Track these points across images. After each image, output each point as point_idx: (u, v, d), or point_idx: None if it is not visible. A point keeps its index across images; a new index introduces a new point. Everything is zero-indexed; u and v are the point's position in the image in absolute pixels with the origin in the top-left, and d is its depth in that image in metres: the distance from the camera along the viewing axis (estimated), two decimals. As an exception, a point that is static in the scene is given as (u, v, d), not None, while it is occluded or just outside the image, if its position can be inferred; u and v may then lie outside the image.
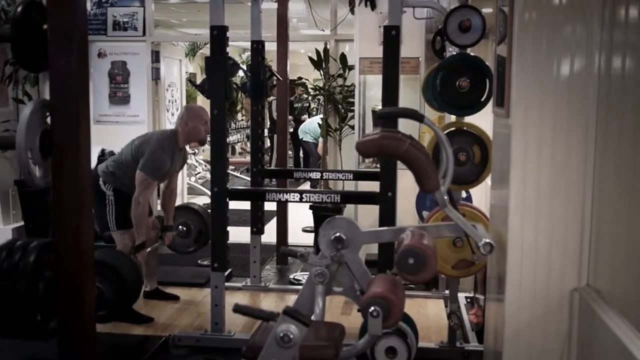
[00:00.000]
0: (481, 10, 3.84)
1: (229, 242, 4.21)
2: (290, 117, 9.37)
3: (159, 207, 5.00)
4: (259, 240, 5.35)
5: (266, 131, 10.60)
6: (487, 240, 2.66)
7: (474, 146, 3.80)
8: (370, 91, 6.38)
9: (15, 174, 6.41)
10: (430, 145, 3.82)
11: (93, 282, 3.12)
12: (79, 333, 3.01)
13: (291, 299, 4.65)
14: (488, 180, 3.68)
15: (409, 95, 5.74)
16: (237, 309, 2.37)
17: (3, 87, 6.37)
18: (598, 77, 2.46)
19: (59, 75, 2.89)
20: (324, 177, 5.47)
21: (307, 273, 3.03)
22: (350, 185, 5.92)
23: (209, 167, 5.62)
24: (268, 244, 6.03)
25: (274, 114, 10.44)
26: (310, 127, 10.69)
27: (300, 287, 3.23)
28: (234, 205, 4.45)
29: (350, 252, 2.97)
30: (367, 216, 5.43)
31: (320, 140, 8.72)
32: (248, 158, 7.94)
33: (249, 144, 10.71)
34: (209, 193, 4.42)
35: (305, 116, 12.46)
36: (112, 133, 7.39)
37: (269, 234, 5.95)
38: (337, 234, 2.95)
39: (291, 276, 5.78)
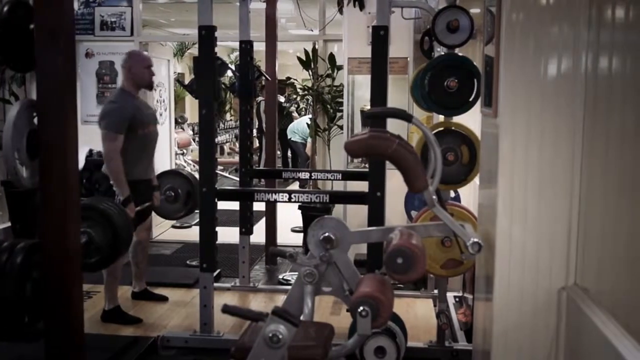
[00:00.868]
0: (469, 11, 3.86)
1: (217, 242, 4.20)
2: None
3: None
4: (247, 240, 5.34)
5: (254, 131, 10.63)
6: (476, 240, 2.67)
7: (462, 146, 3.81)
8: (358, 91, 6.39)
9: (2, 174, 6.36)
10: (419, 145, 3.83)
11: (80, 282, 3.10)
12: (67, 334, 3.00)
13: (280, 299, 4.65)
14: (476, 180, 3.69)
15: (398, 95, 5.75)
16: (226, 309, 2.36)
17: (-11, 87, 6.34)
18: (585, 77, 2.47)
19: (46, 75, 2.87)
20: (312, 177, 5.47)
21: (296, 273, 3.03)
22: (339, 185, 5.92)
23: (197, 167, 5.61)
24: (257, 244, 6.03)
25: (262, 114, 10.43)
26: (298, 127, 10.67)
27: (289, 287, 3.23)
28: (222, 205, 4.43)
29: (339, 252, 2.97)
30: (356, 216, 5.43)
31: (309, 140, 8.72)
32: (237, 158, 7.94)
33: (237, 144, 10.69)
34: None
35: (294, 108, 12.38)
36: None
37: (258, 234, 5.94)
38: (326, 234, 2.95)
39: (280, 276, 5.79)
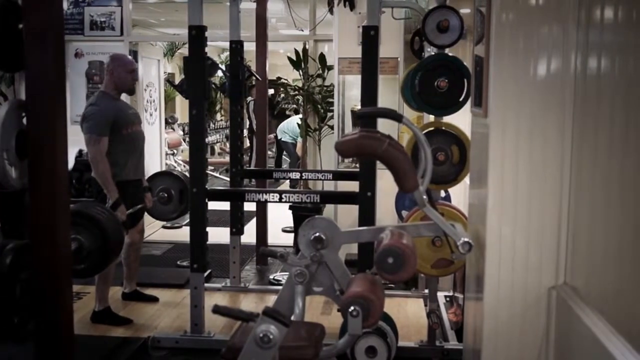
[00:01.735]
0: (459, 11, 3.87)
1: (208, 242, 4.20)
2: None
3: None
4: (238, 240, 5.33)
5: (245, 131, 10.61)
6: (466, 240, 2.67)
7: (452, 146, 3.82)
8: (349, 91, 6.39)
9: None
10: (409, 145, 3.84)
11: (70, 284, 3.09)
12: (57, 335, 2.99)
13: (271, 300, 4.64)
14: (466, 180, 3.70)
15: (388, 95, 5.76)
16: (217, 309, 2.36)
17: (-22, 87, 6.31)
18: (574, 77, 2.49)
19: (35, 75, 2.86)
20: (303, 177, 5.48)
21: (287, 273, 3.03)
22: (329, 185, 5.93)
23: (187, 167, 5.59)
24: (248, 245, 6.02)
25: (252, 114, 10.41)
26: (288, 127, 10.64)
27: (280, 287, 3.23)
28: (213, 205, 4.43)
29: (329, 252, 2.97)
30: (346, 216, 5.43)
31: (300, 140, 8.72)
32: (227, 158, 7.92)
33: (228, 144, 10.67)
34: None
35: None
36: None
37: (249, 235, 5.94)
38: (317, 234, 2.95)
39: (271, 276, 5.78)
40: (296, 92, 7.57)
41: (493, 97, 2.57)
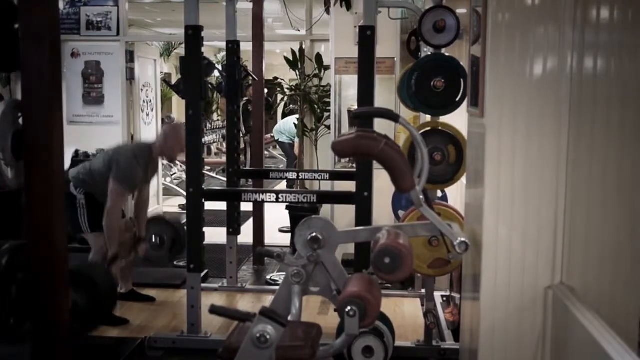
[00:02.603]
0: (455, 11, 3.87)
1: (205, 243, 4.19)
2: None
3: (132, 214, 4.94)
4: (235, 240, 5.33)
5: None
6: (463, 239, 2.67)
7: (449, 146, 3.83)
8: (346, 91, 6.40)
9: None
10: (406, 145, 3.84)
11: (67, 284, 3.08)
12: (53, 336, 2.98)
13: (268, 300, 4.63)
14: (463, 180, 3.70)
15: (385, 95, 5.76)
16: (214, 310, 2.36)
17: (-26, 87, 6.28)
18: (570, 77, 2.49)
19: (31, 75, 2.85)
20: (300, 177, 5.47)
21: (284, 273, 3.02)
22: (326, 185, 5.93)
23: (184, 167, 5.58)
24: (244, 245, 6.01)
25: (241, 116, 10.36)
26: (285, 127, 10.61)
27: (277, 287, 3.23)
28: (209, 205, 4.42)
29: (326, 252, 2.97)
30: (343, 216, 5.43)
31: (297, 140, 8.71)
32: (224, 158, 7.92)
33: (224, 144, 10.65)
34: (185, 193, 4.40)
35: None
36: (86, 134, 7.33)
37: (246, 235, 5.93)
38: (314, 234, 2.95)
39: (268, 277, 5.78)
40: (293, 92, 7.56)
41: (489, 97, 2.58)
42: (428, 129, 3.92)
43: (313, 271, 2.96)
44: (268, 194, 4.31)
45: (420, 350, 4.06)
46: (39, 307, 2.95)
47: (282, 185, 9.48)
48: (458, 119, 3.89)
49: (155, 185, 7.89)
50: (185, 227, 4.17)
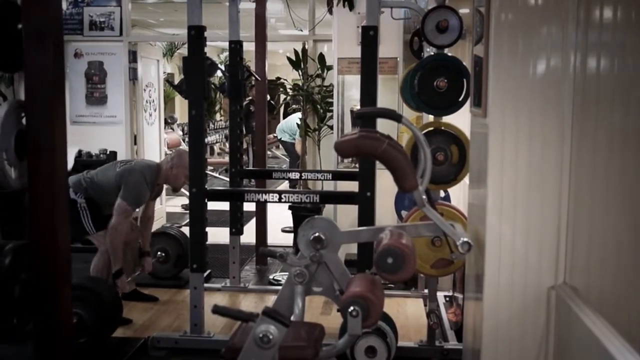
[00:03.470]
0: (458, 11, 3.87)
1: (207, 243, 4.19)
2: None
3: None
4: (238, 240, 5.33)
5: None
6: (465, 239, 2.67)
7: (451, 146, 3.82)
8: (348, 91, 6.39)
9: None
10: (409, 145, 3.84)
11: (69, 284, 3.09)
12: (56, 336, 2.98)
13: (271, 300, 4.64)
14: (466, 180, 3.70)
15: (387, 95, 5.75)
16: (217, 310, 2.36)
17: (-23, 87, 6.29)
18: (573, 77, 2.49)
19: (34, 75, 2.86)
20: (303, 177, 5.47)
21: (287, 273, 3.03)
22: (329, 185, 5.92)
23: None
24: (247, 245, 6.02)
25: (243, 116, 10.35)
26: (287, 126, 10.60)
27: (280, 287, 3.23)
28: (212, 205, 4.43)
29: (329, 252, 2.97)
30: (346, 216, 5.43)
31: (299, 139, 8.70)
32: (227, 158, 7.91)
33: (227, 144, 10.65)
34: (188, 194, 4.41)
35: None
36: (89, 134, 7.35)
37: (248, 235, 5.94)
38: (316, 234, 2.95)
39: (270, 277, 5.78)
40: (296, 92, 7.56)
41: (492, 97, 2.57)
42: (431, 129, 3.92)
43: (316, 271, 2.97)
44: (271, 194, 4.31)
45: (423, 350, 4.06)
46: (41, 307, 2.95)
47: (285, 185, 9.48)
48: (461, 119, 3.89)
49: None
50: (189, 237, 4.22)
